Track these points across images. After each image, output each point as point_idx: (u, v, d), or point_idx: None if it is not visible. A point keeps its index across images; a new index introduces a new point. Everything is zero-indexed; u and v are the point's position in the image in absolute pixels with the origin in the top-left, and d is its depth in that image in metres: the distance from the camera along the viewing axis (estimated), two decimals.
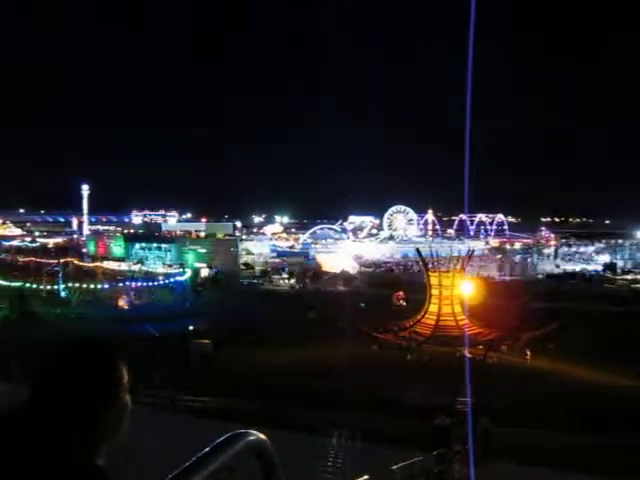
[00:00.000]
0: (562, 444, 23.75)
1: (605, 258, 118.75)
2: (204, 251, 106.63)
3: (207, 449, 2.04)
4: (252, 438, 2.26)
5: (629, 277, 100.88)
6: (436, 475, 17.20)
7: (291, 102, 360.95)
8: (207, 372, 36.45)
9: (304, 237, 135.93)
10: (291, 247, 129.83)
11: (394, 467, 15.17)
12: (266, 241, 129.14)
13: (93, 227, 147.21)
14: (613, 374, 36.78)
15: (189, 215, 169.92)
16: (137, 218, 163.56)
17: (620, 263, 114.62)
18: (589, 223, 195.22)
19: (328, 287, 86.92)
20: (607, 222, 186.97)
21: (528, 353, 44.43)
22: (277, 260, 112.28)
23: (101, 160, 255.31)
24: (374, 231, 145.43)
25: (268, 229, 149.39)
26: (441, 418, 22.40)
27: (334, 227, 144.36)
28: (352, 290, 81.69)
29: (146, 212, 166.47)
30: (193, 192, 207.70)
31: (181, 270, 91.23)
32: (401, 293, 68.97)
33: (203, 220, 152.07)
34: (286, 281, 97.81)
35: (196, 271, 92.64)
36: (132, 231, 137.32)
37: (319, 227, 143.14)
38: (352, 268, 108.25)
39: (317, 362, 38.21)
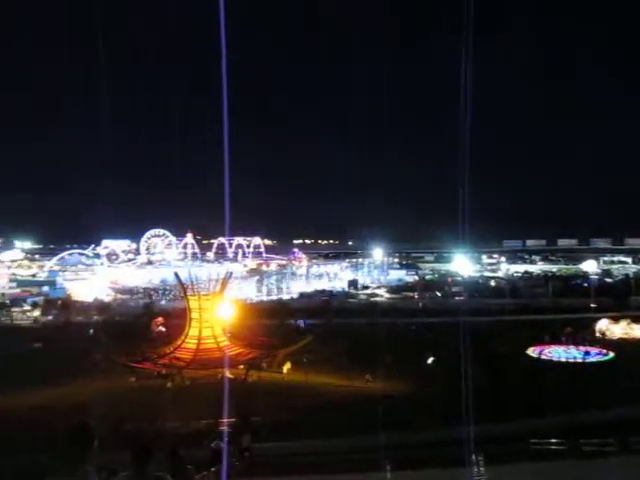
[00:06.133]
0: (313, 451, 26.50)
1: (349, 275, 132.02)
2: None
3: None
4: None
5: (368, 292, 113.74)
6: None
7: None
8: None
9: (50, 264, 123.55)
10: (34, 275, 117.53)
11: None
12: (3, 270, 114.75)
13: None
14: (352, 379, 42.35)
15: None
16: None
17: (361, 280, 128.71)
18: (335, 244, 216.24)
19: (79, 317, 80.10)
20: (350, 243, 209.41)
21: (285, 368, 46.87)
22: (17, 291, 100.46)
23: None
24: (131, 256, 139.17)
25: (6, 256, 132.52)
26: (216, 442, 23.00)
27: (85, 252, 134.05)
28: (107, 319, 76.66)
29: None
30: None
31: None
32: (160, 319, 66.94)
33: None
34: (29, 314, 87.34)
35: None
36: None
37: (68, 252, 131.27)
38: (107, 296, 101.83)
39: (66, 402, 34.77)
